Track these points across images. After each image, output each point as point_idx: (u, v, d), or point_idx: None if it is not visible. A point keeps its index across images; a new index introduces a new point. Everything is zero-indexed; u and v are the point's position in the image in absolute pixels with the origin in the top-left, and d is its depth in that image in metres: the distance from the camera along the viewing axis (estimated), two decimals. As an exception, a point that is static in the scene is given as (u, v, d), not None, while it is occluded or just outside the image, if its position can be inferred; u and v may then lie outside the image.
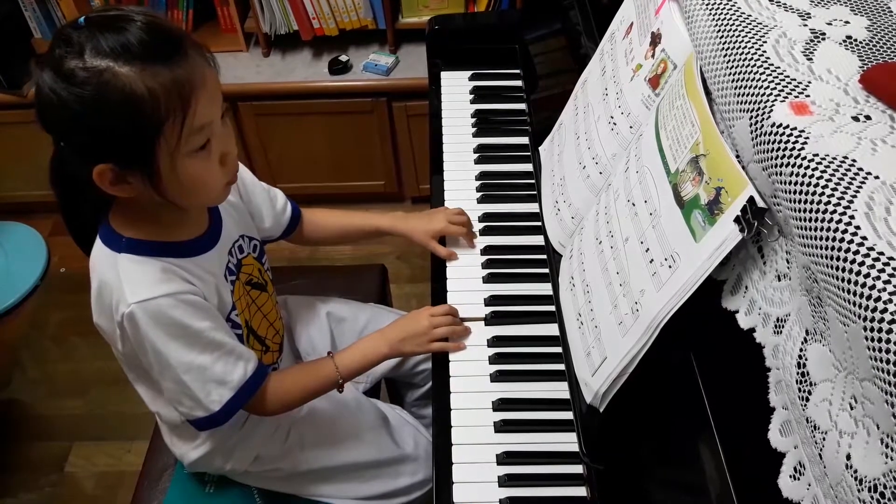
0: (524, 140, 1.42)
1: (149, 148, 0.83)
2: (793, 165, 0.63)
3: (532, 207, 1.29)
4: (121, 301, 0.90)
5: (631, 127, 1.00)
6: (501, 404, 1.06)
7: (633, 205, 0.90)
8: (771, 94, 0.68)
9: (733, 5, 0.78)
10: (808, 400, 0.63)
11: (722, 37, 0.76)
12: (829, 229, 0.58)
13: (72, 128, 0.83)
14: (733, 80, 0.73)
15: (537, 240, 1.24)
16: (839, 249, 0.56)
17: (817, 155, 0.61)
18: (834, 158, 0.61)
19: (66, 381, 2.07)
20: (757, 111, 0.68)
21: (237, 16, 2.08)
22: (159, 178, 0.86)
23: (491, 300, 1.18)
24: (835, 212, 0.58)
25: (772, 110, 0.67)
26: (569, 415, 1.02)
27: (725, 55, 0.75)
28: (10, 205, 2.38)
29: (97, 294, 0.95)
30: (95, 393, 2.02)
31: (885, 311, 0.52)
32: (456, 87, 1.54)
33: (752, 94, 0.70)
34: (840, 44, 0.73)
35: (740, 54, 0.73)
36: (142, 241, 0.93)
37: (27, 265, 2.30)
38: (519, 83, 1.53)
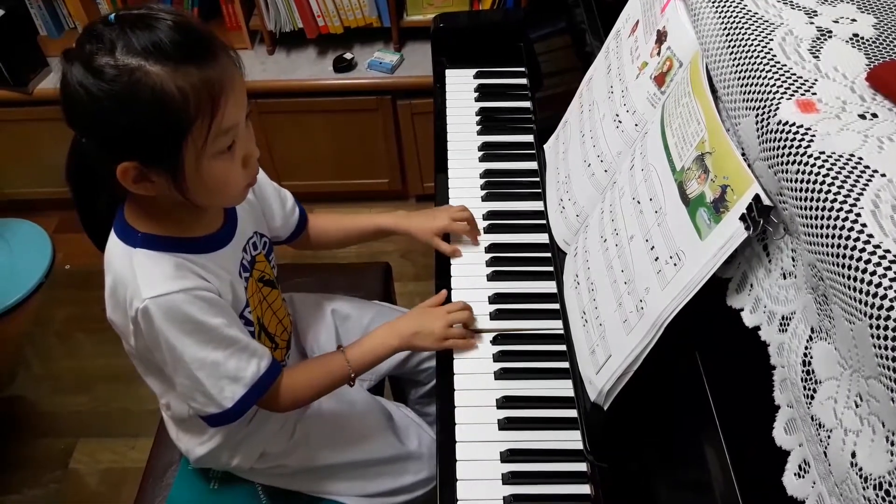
0: (529, 138, 1.42)
1: (176, 147, 0.83)
2: (799, 163, 0.62)
3: (537, 205, 1.29)
4: (135, 296, 0.91)
5: (636, 125, 1.00)
6: (505, 402, 1.06)
7: (639, 203, 0.90)
8: (777, 91, 0.68)
9: (740, 3, 0.78)
10: (813, 398, 0.62)
11: (728, 34, 0.76)
12: (835, 227, 0.58)
13: (99, 124, 0.83)
14: (739, 78, 0.73)
15: (542, 238, 1.24)
16: (845, 247, 0.56)
17: (823, 153, 0.61)
18: (840, 156, 0.61)
19: (71, 377, 2.07)
20: (763, 109, 0.68)
21: (242, 14, 2.09)
22: (183, 178, 0.86)
23: (495, 298, 1.18)
24: (841, 209, 0.58)
25: (778, 108, 0.67)
26: (573, 413, 1.02)
27: (731, 53, 0.75)
28: (15, 202, 2.39)
29: (112, 289, 0.95)
30: (100, 390, 2.03)
31: (891, 308, 0.52)
32: (461, 85, 1.54)
33: (759, 92, 0.70)
34: (847, 41, 0.73)
35: (746, 52, 0.73)
36: (158, 237, 0.93)
37: (32, 262, 2.31)
38: (524, 81, 1.53)
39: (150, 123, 0.81)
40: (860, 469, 0.55)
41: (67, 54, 0.82)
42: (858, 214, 0.57)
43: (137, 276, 0.90)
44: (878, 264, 0.54)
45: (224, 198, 0.96)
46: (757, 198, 0.69)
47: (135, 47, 0.80)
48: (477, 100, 1.51)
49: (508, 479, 0.99)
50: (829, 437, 0.60)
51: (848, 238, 0.56)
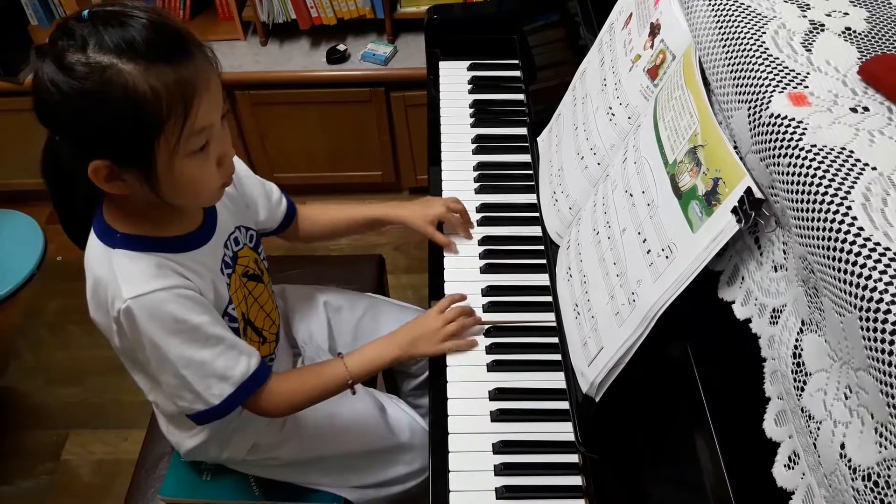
0: (522, 131, 1.42)
1: (148, 147, 0.82)
2: (790, 156, 0.63)
3: (530, 198, 1.29)
4: (116, 297, 0.90)
5: (629, 118, 1.00)
6: (498, 394, 1.06)
7: (631, 195, 0.90)
8: (769, 84, 0.68)
9: (733, -4, 0.78)
10: (803, 390, 0.63)
11: (721, 27, 0.76)
12: (825, 220, 0.58)
13: (70, 122, 0.82)
14: (732, 71, 0.73)
15: (535, 230, 1.24)
16: (836, 240, 0.57)
17: (815, 146, 0.62)
18: (832, 149, 0.61)
19: (63, 369, 2.07)
20: (755, 102, 0.68)
21: (235, 4, 2.07)
22: (155, 178, 0.85)
23: (488, 290, 1.18)
24: (832, 202, 0.58)
25: (770, 101, 0.67)
26: (565, 404, 1.02)
27: (724, 46, 0.75)
28: (6, 192, 2.38)
29: (93, 290, 0.94)
30: (92, 381, 2.02)
31: (880, 300, 0.52)
32: (454, 78, 1.54)
33: (751, 85, 0.70)
34: (839, 35, 0.73)
35: (739, 45, 0.73)
36: (136, 237, 0.92)
37: (23, 253, 2.30)
38: (518, 74, 1.53)
39: (121, 122, 0.80)
40: (849, 460, 0.56)
41: (40, 50, 0.81)
42: (849, 207, 0.57)
43: (118, 276, 0.89)
44: (868, 257, 0.54)
45: (198, 198, 0.95)
46: (749, 191, 0.70)
47: (107, 45, 0.78)
48: (471, 92, 1.51)
49: (500, 470, 0.99)
50: (818, 428, 0.60)
51: (838, 231, 0.57)
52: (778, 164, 0.64)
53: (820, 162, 0.60)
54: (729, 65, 0.74)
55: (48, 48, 0.80)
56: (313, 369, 1.12)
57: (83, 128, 0.81)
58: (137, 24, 0.80)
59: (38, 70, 0.80)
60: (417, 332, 1.11)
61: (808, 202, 0.60)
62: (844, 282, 0.55)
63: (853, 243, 0.55)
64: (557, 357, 1.06)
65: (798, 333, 0.65)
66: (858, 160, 0.60)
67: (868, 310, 0.53)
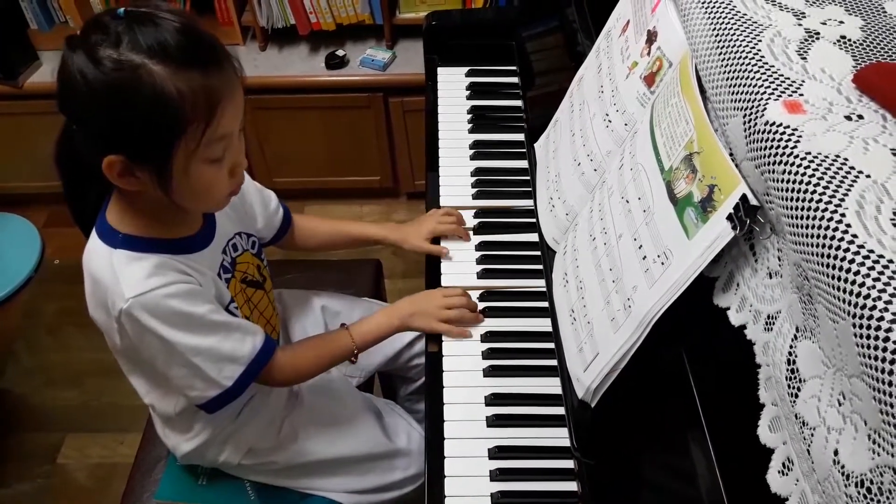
0: (520, 136, 1.42)
1: (167, 148, 0.83)
2: (785, 164, 0.63)
3: (527, 204, 1.29)
4: (117, 297, 0.90)
5: (626, 124, 1.00)
6: (494, 399, 1.07)
7: (627, 202, 0.91)
8: (765, 92, 0.68)
9: (729, 4, 0.78)
10: (797, 396, 0.63)
11: (717, 35, 0.77)
12: (820, 227, 0.58)
13: (93, 114, 0.83)
14: (728, 79, 0.73)
15: (532, 236, 1.24)
16: (830, 247, 0.57)
17: (810, 153, 0.62)
18: (826, 157, 0.61)
19: (60, 371, 2.06)
20: (751, 109, 0.69)
21: (234, 9, 2.08)
22: (169, 178, 0.86)
23: (485, 296, 1.19)
24: (826, 210, 0.58)
25: (765, 109, 0.67)
26: (561, 410, 1.02)
27: (720, 53, 0.76)
28: (4, 196, 2.38)
29: (92, 289, 0.95)
30: (89, 384, 2.02)
31: (874, 307, 0.52)
32: (452, 83, 1.54)
33: (747, 93, 0.70)
34: (834, 43, 0.73)
35: (735, 53, 0.74)
36: (137, 238, 0.93)
37: (21, 256, 2.30)
38: (515, 80, 1.54)
39: (143, 121, 0.81)
40: (842, 466, 0.56)
41: (71, 41, 0.82)
42: (843, 215, 0.57)
43: (118, 276, 0.90)
44: (862, 264, 0.54)
45: (207, 203, 0.96)
46: (744, 198, 0.70)
47: (140, 44, 0.80)
48: (468, 98, 1.51)
49: (496, 475, 0.99)
50: (812, 434, 0.60)
51: (832, 238, 0.57)
52: (773, 172, 0.65)
53: (815, 169, 0.61)
54: (725, 72, 0.74)
55: (80, 40, 0.82)
56: (319, 339, 1.15)
57: (105, 121, 0.83)
58: (171, 27, 0.81)
59: (68, 59, 0.82)
60: (418, 306, 1.14)
61: (802, 209, 0.60)
62: (838, 289, 0.56)
63: (847, 250, 0.56)
64: (553, 362, 1.06)
65: (792, 340, 0.65)
66: (853, 168, 0.60)
67: (861, 317, 0.53)
